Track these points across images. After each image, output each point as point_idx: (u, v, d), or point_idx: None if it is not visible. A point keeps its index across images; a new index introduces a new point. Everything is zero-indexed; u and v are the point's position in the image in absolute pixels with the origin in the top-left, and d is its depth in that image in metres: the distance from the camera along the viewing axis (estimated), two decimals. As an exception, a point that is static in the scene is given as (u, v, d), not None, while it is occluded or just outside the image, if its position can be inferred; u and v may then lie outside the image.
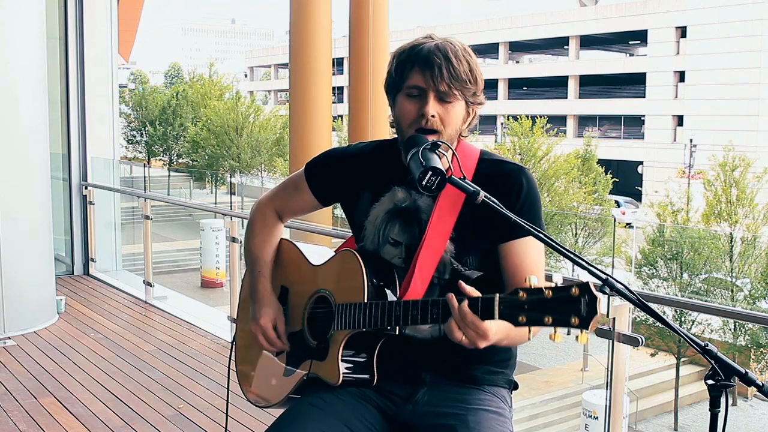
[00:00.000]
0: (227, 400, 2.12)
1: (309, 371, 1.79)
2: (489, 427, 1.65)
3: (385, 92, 1.80)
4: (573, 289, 1.31)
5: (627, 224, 27.60)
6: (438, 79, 1.65)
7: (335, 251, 1.91)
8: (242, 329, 2.10)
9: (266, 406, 1.96)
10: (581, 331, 1.31)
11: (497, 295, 1.40)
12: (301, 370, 1.82)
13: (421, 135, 1.65)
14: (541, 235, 1.50)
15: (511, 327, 1.39)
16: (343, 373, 1.70)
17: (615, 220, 23.85)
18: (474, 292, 1.45)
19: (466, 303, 1.44)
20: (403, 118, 1.70)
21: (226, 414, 2.16)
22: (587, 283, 1.31)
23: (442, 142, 1.62)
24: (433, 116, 1.66)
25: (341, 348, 1.70)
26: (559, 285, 1.33)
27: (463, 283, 1.47)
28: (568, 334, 1.33)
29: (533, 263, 1.70)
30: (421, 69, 1.67)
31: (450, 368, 1.76)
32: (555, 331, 1.33)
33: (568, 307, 1.31)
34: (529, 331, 1.38)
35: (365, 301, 1.66)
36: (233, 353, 2.11)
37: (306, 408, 1.72)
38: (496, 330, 1.46)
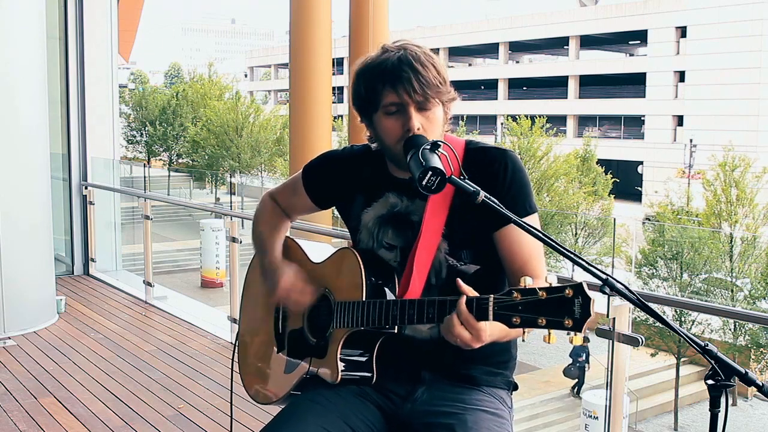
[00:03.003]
0: (231, 402, 2.13)
1: (309, 369, 1.80)
2: (487, 428, 1.66)
3: (356, 113, 1.77)
4: (567, 291, 1.31)
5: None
6: (412, 92, 1.64)
7: (336, 249, 1.92)
8: (245, 327, 2.12)
9: (267, 402, 1.97)
10: (574, 333, 1.31)
11: (492, 296, 1.40)
12: (302, 368, 1.83)
13: (421, 135, 1.65)
14: (539, 235, 1.49)
15: (505, 327, 1.40)
16: (342, 371, 1.71)
17: (615, 221, 23.82)
18: (471, 292, 1.46)
19: (463, 300, 1.44)
20: (388, 137, 1.69)
21: (231, 416, 2.17)
22: (581, 284, 1.31)
23: (442, 142, 1.62)
24: (418, 128, 1.65)
25: (340, 346, 1.71)
26: (553, 286, 1.33)
27: (460, 281, 1.47)
28: (568, 334, 1.33)
29: (531, 247, 1.69)
30: (392, 86, 1.65)
31: (449, 368, 1.77)
32: (549, 333, 1.33)
33: (562, 308, 1.31)
34: (524, 332, 1.38)
35: (363, 299, 1.67)
36: (235, 353, 2.12)
37: (306, 404, 1.73)
38: (491, 332, 1.46)
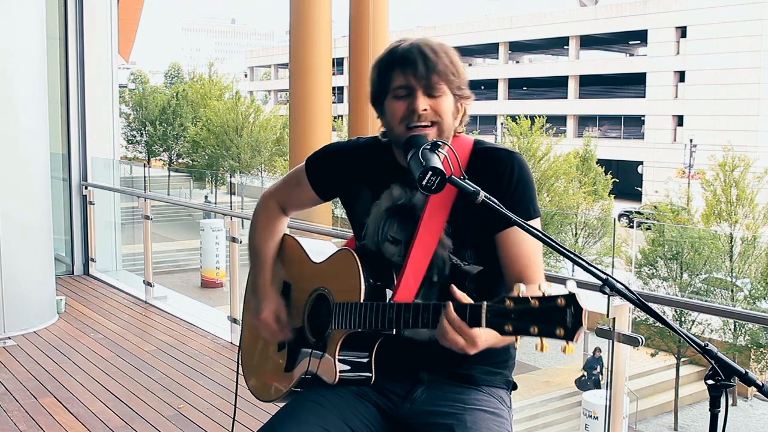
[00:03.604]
0: (235, 404, 2.13)
1: (308, 369, 1.81)
2: (486, 428, 1.66)
3: (372, 105, 1.79)
4: (559, 300, 1.31)
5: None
6: (419, 74, 1.66)
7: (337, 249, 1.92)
8: (248, 323, 2.12)
9: (268, 400, 1.98)
10: (567, 343, 1.31)
11: (485, 303, 1.40)
12: (301, 367, 1.84)
13: (422, 135, 1.65)
14: (540, 235, 1.50)
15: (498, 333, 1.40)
16: (341, 372, 1.71)
17: (615, 221, 23.82)
18: (465, 298, 1.46)
19: (452, 307, 1.44)
20: (393, 118, 1.70)
21: (233, 418, 2.17)
22: (573, 294, 1.31)
23: (442, 141, 1.62)
24: (425, 110, 1.66)
25: (338, 347, 1.71)
26: (546, 295, 1.33)
27: (454, 288, 1.47)
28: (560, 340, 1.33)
29: (530, 251, 1.70)
30: (401, 69, 1.68)
31: (448, 368, 1.77)
32: (542, 342, 1.33)
33: (554, 318, 1.31)
34: (516, 339, 1.38)
35: (361, 301, 1.67)
36: (240, 352, 2.13)
37: (306, 404, 1.74)
38: (486, 338, 1.46)
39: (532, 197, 1.72)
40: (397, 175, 1.79)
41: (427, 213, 1.71)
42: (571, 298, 1.31)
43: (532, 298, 1.34)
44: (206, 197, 30.91)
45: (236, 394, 2.16)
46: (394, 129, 1.71)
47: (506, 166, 1.71)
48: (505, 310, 1.36)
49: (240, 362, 2.12)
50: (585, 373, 17.02)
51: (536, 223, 1.70)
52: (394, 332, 1.65)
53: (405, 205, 1.78)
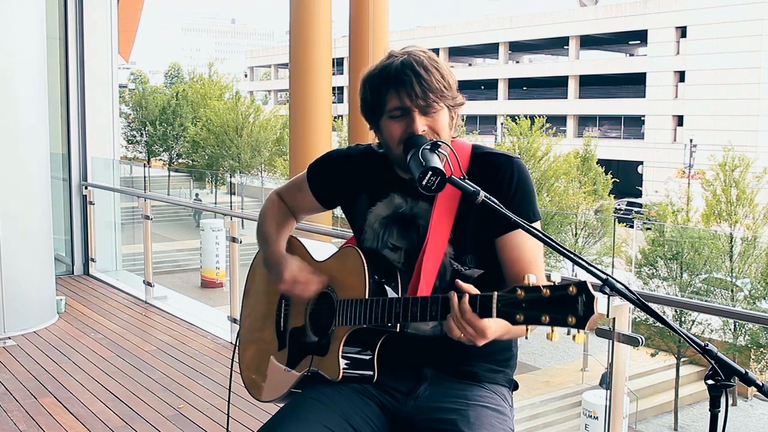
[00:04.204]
0: (228, 401, 2.13)
1: (310, 367, 1.81)
2: (490, 424, 1.66)
3: (364, 119, 1.79)
4: (570, 288, 1.32)
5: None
6: (414, 96, 1.65)
7: (338, 248, 1.92)
8: (246, 325, 2.12)
9: (267, 400, 1.97)
10: (578, 331, 1.31)
11: (495, 293, 1.41)
12: (303, 366, 1.84)
13: (421, 135, 1.66)
14: (540, 235, 1.50)
15: (507, 325, 1.40)
16: (344, 369, 1.71)
17: (615, 221, 23.82)
18: (472, 290, 1.46)
19: (466, 299, 1.45)
20: (392, 140, 1.71)
21: (228, 414, 2.17)
22: (585, 282, 1.31)
23: (441, 142, 1.63)
24: (423, 130, 1.67)
25: (342, 344, 1.71)
26: (557, 284, 1.34)
27: (459, 281, 1.48)
28: (568, 333, 1.33)
29: (531, 254, 1.70)
30: (396, 90, 1.67)
31: (451, 365, 1.77)
32: (552, 330, 1.33)
33: (565, 306, 1.32)
34: (527, 330, 1.38)
35: (366, 297, 1.67)
36: (236, 352, 2.12)
37: (307, 402, 1.74)
38: (495, 328, 1.47)
39: (532, 201, 1.73)
40: (397, 184, 1.80)
41: (435, 220, 1.72)
42: (582, 286, 1.31)
43: (543, 286, 1.35)
44: (197, 195, 30.71)
45: (230, 390, 2.15)
46: (393, 150, 1.71)
47: (506, 171, 1.72)
48: (516, 299, 1.37)
49: (239, 361, 2.11)
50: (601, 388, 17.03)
51: (536, 226, 1.70)
52: (398, 329, 1.66)
53: (406, 214, 1.78)
